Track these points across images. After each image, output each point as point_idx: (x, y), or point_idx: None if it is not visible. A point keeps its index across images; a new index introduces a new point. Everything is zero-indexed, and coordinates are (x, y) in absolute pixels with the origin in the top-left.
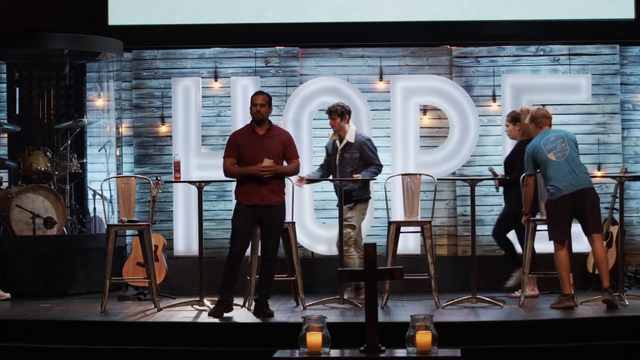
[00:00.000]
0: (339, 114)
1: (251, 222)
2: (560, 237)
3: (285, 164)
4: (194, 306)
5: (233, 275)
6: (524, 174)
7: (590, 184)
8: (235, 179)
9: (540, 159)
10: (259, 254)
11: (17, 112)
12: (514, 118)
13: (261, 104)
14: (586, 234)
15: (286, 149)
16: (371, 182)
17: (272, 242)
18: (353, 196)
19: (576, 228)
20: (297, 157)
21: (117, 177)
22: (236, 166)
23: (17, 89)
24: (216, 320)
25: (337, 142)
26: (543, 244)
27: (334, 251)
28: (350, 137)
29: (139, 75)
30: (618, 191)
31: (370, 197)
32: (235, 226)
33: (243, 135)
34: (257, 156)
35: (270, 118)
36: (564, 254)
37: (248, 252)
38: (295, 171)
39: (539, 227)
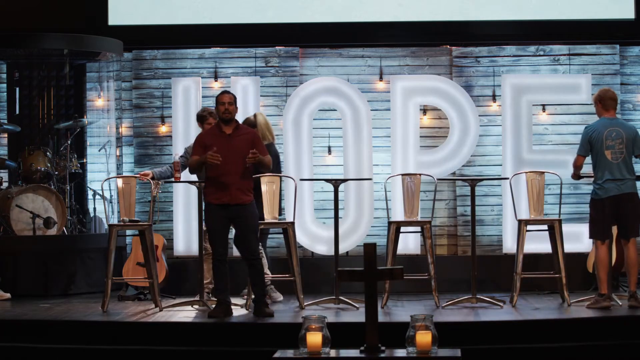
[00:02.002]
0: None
1: (224, 220)
2: (601, 236)
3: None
4: (194, 306)
5: (223, 276)
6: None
7: (633, 189)
8: (204, 179)
9: (596, 148)
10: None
11: (17, 112)
12: (250, 125)
13: (229, 102)
14: (623, 237)
15: (255, 148)
16: (365, 182)
17: (251, 242)
18: None
19: (576, 228)
20: (267, 154)
21: (117, 177)
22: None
23: (17, 89)
24: (216, 320)
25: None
26: (533, 244)
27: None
28: None
29: (139, 75)
30: None
31: None
32: (209, 227)
33: (210, 135)
34: (226, 155)
35: (271, 118)
36: (604, 254)
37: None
38: (270, 165)
39: (529, 227)
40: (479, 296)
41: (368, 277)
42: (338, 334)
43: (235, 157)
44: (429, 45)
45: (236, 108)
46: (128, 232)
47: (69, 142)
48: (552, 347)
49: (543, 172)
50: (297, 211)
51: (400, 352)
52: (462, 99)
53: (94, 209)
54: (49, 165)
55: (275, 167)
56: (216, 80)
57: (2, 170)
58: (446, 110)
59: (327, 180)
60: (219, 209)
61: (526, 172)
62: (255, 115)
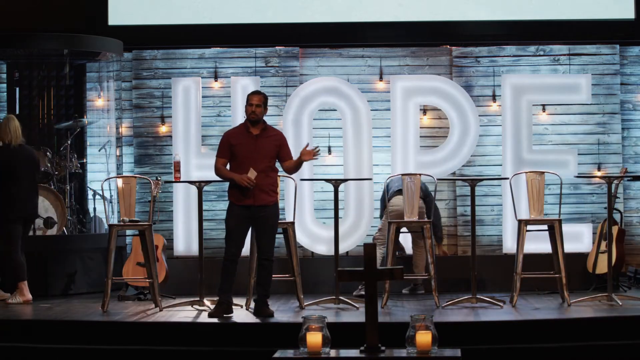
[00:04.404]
0: None
1: (244, 222)
2: None
3: (277, 164)
4: (194, 306)
5: (231, 276)
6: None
7: None
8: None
9: None
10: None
11: (17, 112)
12: None
13: (257, 104)
14: None
15: (281, 150)
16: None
17: (268, 243)
18: None
19: (576, 228)
20: (292, 157)
21: (117, 177)
22: (226, 168)
23: (17, 89)
24: (216, 320)
25: None
26: (533, 244)
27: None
28: None
29: (139, 75)
30: (615, 191)
31: None
32: (228, 227)
33: (237, 135)
34: (251, 156)
35: (270, 118)
36: None
37: (247, 251)
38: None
39: (529, 227)
40: (479, 296)
41: (368, 277)
42: (338, 334)
43: (260, 159)
44: (429, 45)
45: (265, 109)
46: (128, 232)
47: (69, 142)
48: (552, 347)
49: (543, 172)
50: (297, 211)
51: (400, 352)
52: (462, 99)
53: (94, 209)
54: (49, 165)
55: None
56: (216, 80)
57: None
58: (446, 110)
59: (327, 180)
60: (241, 209)
61: (526, 172)
62: (4, 118)
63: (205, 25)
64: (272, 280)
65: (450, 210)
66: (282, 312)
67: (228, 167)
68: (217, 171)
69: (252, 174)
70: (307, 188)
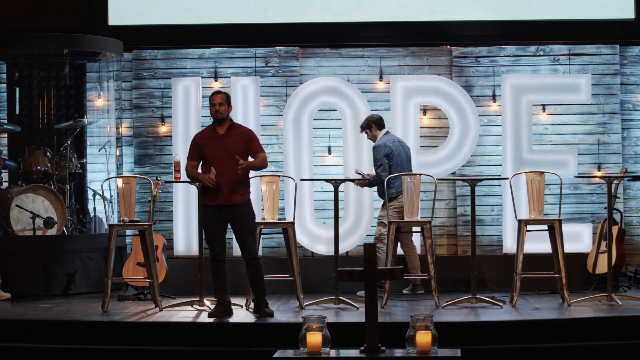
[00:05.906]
0: None
1: (219, 221)
2: None
3: (250, 159)
4: (194, 306)
5: (222, 276)
6: None
7: None
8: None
9: None
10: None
11: (17, 112)
12: None
13: (219, 103)
14: None
15: (249, 145)
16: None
17: (248, 242)
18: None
19: (576, 228)
20: (262, 151)
21: (117, 177)
22: (195, 170)
23: (17, 89)
24: (216, 320)
25: None
26: (533, 244)
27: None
28: None
29: (139, 75)
30: (615, 191)
31: None
32: (205, 228)
33: (204, 136)
34: (218, 156)
35: (270, 118)
36: None
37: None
38: (263, 164)
39: (529, 227)
40: (479, 296)
41: (368, 277)
42: (338, 334)
43: (228, 158)
44: (429, 45)
45: (230, 107)
46: (128, 232)
47: (69, 142)
48: (552, 347)
49: (543, 172)
50: (297, 211)
51: (400, 352)
52: (462, 99)
53: (94, 209)
54: (49, 165)
55: None
56: (216, 80)
57: (2, 170)
58: (446, 110)
59: (327, 180)
60: (214, 210)
61: (526, 172)
62: None
63: (205, 25)
64: (272, 280)
65: (450, 210)
66: (282, 312)
67: (200, 170)
68: (187, 173)
69: (212, 173)
70: (307, 188)
